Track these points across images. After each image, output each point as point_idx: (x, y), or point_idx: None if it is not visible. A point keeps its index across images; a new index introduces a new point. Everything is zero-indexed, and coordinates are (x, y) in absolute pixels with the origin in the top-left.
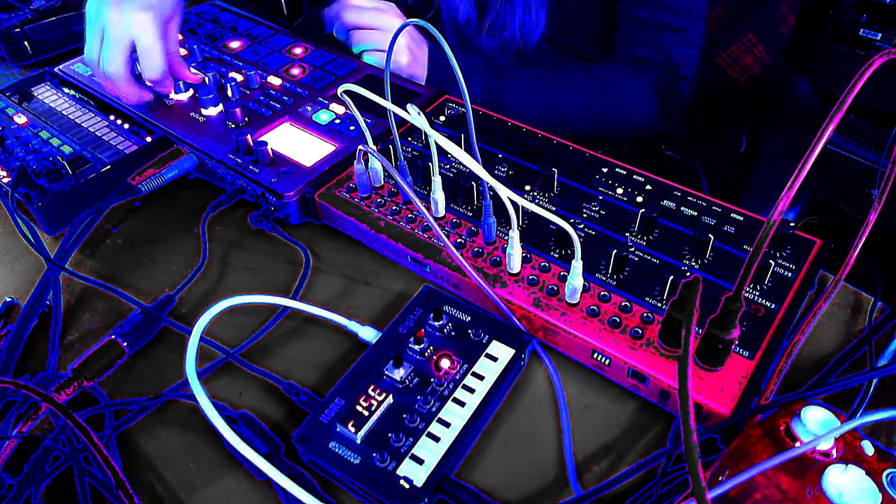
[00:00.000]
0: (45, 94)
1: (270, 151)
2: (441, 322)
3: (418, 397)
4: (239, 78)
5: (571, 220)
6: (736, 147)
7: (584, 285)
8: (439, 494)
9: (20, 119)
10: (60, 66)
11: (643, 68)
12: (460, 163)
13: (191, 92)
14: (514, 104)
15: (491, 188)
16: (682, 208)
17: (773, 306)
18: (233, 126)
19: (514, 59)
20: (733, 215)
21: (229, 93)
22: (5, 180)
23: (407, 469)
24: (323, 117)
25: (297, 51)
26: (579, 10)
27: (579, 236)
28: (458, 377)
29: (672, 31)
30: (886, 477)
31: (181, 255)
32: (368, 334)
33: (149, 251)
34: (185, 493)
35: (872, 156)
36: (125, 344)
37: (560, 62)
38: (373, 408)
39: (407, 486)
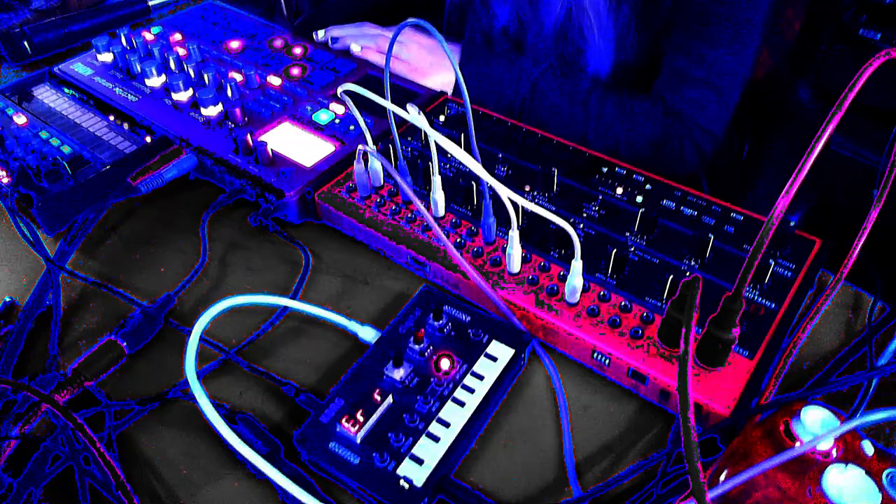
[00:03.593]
0: (45, 94)
1: (270, 151)
2: (441, 322)
3: (418, 397)
4: (239, 78)
5: (571, 220)
6: (736, 147)
7: (584, 285)
8: (439, 494)
9: (20, 119)
10: (60, 66)
11: (672, 119)
12: (460, 163)
13: (190, 92)
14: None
15: (491, 188)
16: (682, 208)
17: (773, 306)
18: (233, 126)
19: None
20: (733, 215)
21: (229, 93)
22: (5, 180)
23: (407, 469)
24: (323, 117)
25: (297, 51)
26: (629, 51)
27: (579, 236)
28: (457, 377)
29: (709, 89)
30: (886, 477)
31: (181, 255)
32: (368, 334)
33: (149, 251)
34: (185, 493)
35: (872, 156)
36: (125, 344)
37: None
38: (373, 408)
39: (407, 486)
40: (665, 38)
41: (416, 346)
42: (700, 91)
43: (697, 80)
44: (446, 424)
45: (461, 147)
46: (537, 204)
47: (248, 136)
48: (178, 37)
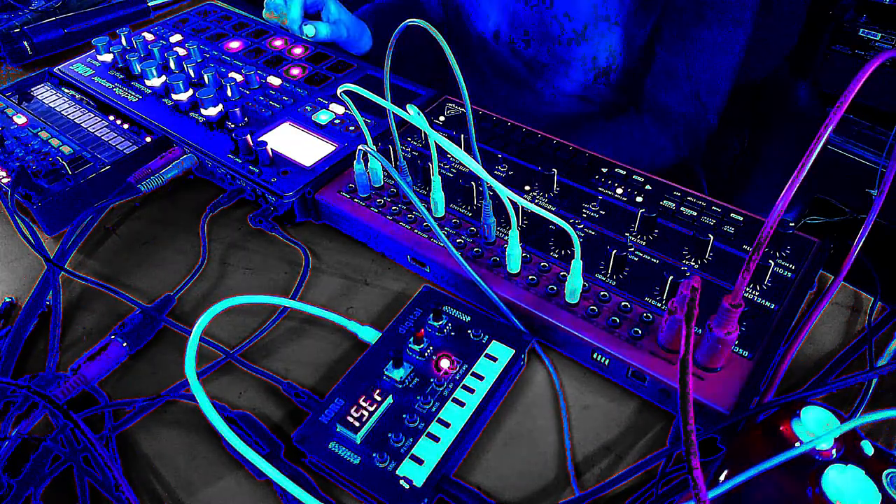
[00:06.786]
0: (45, 95)
1: (270, 151)
2: (441, 322)
3: (418, 397)
4: (239, 78)
5: (571, 220)
6: (736, 148)
7: (584, 285)
8: (439, 494)
9: (20, 119)
10: (60, 66)
11: (665, 122)
12: (460, 163)
13: (190, 92)
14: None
15: (491, 188)
16: (682, 208)
17: (773, 306)
18: (233, 126)
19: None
20: (733, 215)
21: (229, 93)
22: (5, 180)
23: (407, 469)
24: (323, 117)
25: (297, 51)
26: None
27: (579, 236)
28: (457, 377)
29: (696, 82)
30: (886, 477)
31: (181, 255)
32: (368, 334)
33: (149, 251)
34: (185, 493)
35: (872, 156)
36: (125, 344)
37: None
38: (373, 408)
39: (407, 486)
40: (655, 35)
41: (416, 347)
42: (688, 85)
43: (686, 76)
44: (446, 424)
45: (461, 147)
46: (537, 204)
47: (249, 137)
48: (178, 37)
